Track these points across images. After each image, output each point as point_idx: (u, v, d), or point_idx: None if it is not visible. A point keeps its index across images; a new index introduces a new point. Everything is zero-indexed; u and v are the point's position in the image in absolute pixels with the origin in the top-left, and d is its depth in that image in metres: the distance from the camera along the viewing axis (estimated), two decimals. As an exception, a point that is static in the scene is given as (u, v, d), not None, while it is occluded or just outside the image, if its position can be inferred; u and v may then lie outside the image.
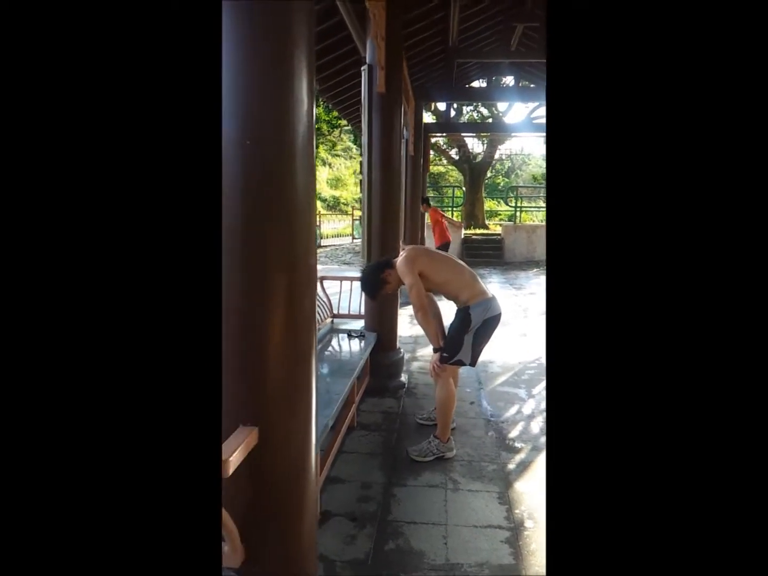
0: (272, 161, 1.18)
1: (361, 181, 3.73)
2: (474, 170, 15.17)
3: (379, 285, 2.81)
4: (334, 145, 17.10)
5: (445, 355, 2.65)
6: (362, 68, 3.61)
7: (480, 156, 15.74)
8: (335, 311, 4.01)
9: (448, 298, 2.77)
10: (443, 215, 8.29)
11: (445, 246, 7.60)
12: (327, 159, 20.81)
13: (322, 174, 26.89)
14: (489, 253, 11.04)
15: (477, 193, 14.91)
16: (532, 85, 9.80)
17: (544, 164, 27.36)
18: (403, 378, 3.83)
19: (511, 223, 12.25)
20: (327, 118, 14.60)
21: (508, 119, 14.99)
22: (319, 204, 25.46)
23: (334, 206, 25.51)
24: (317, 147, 15.69)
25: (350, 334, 3.62)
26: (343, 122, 14.53)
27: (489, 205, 17.89)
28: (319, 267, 10.98)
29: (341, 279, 4.50)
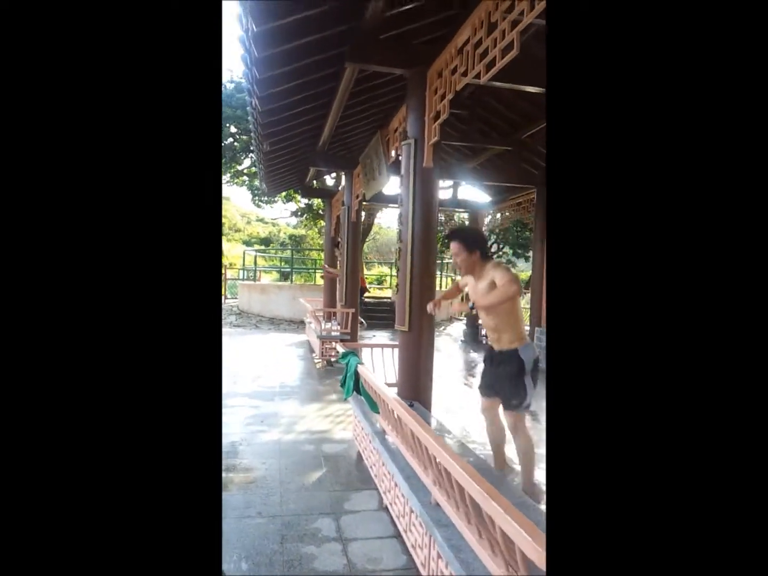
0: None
1: (399, 249, 3.74)
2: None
3: (474, 245, 2.77)
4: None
5: (514, 402, 2.65)
6: (404, 142, 3.71)
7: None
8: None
9: (493, 335, 2.78)
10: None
11: (361, 291, 7.80)
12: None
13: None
14: (385, 316, 11.34)
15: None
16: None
17: (388, 232, 29.23)
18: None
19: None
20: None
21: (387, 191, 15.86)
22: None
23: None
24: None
25: (400, 405, 3.50)
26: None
27: (378, 270, 18.48)
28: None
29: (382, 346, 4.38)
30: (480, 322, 3.01)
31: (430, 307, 3.07)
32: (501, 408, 2.83)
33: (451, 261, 15.21)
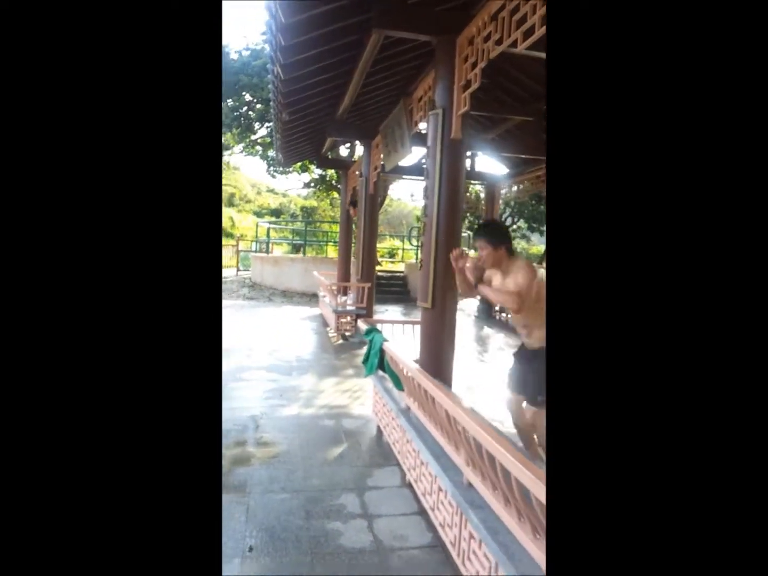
0: None
1: (424, 224, 3.66)
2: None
3: (500, 241, 2.75)
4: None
5: (540, 399, 2.68)
6: (431, 112, 3.59)
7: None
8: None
9: (522, 331, 2.79)
10: None
11: None
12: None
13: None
14: (397, 290, 11.30)
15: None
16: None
17: (400, 204, 29.07)
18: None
19: (413, 261, 12.74)
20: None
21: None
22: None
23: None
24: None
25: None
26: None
27: (390, 242, 18.34)
28: (224, 302, 10.26)
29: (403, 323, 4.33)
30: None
31: (455, 254, 2.82)
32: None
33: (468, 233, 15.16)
